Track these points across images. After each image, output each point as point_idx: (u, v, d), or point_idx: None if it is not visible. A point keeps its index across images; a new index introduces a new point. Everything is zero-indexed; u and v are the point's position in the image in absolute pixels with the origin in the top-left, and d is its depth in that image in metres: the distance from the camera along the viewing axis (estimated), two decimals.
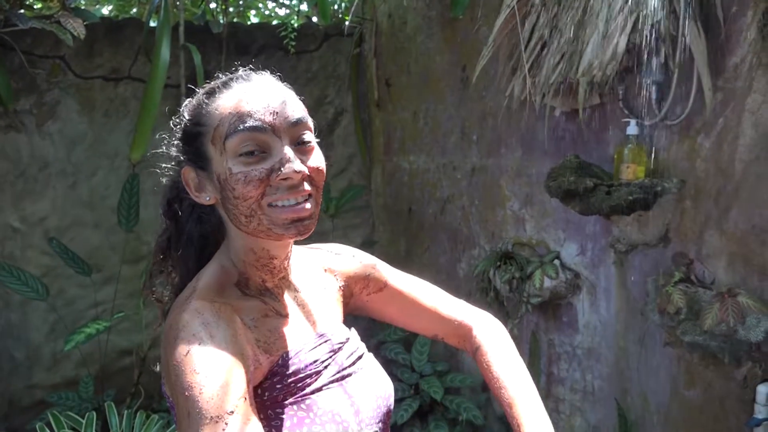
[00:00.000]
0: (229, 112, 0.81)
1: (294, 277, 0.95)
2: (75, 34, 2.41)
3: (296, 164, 0.79)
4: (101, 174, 3.08)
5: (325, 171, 0.86)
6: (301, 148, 0.83)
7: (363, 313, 1.06)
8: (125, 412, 2.32)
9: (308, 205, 0.81)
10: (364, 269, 1.05)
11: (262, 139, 0.80)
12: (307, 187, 0.82)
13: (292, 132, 0.82)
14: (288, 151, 0.80)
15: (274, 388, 0.81)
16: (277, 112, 0.81)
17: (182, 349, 0.73)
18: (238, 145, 0.79)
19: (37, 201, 2.98)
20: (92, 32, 2.78)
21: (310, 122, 0.85)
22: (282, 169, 0.79)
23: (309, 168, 0.82)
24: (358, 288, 1.04)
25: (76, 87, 3.00)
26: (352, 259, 1.06)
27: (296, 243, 1.02)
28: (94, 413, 2.22)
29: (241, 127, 0.79)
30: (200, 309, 0.78)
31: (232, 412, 0.70)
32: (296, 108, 0.83)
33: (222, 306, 0.80)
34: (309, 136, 0.84)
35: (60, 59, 2.95)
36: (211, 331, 0.75)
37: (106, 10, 4.24)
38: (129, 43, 3.06)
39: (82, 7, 2.89)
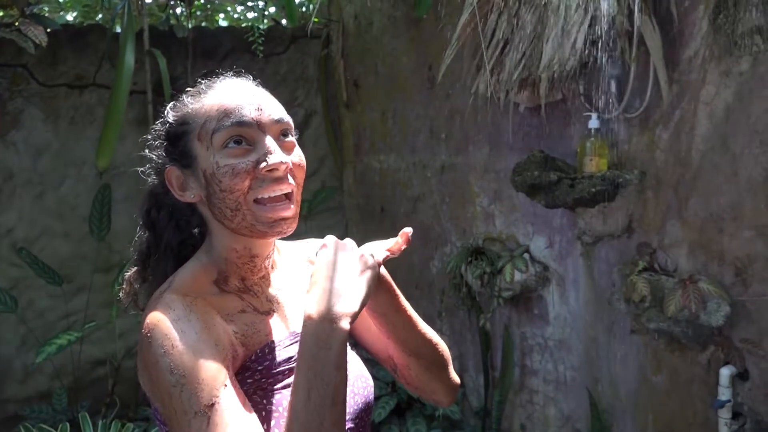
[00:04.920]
0: (216, 110, 0.85)
1: (276, 274, 0.96)
2: (36, 41, 2.38)
3: (281, 155, 0.84)
4: (69, 183, 3.04)
5: (305, 168, 0.90)
6: (284, 143, 0.87)
7: None
8: (100, 422, 2.29)
9: (291, 205, 0.86)
10: None
11: (248, 133, 0.84)
12: (291, 180, 0.85)
13: (276, 128, 0.86)
14: (272, 143, 0.84)
15: (245, 382, 0.82)
16: (262, 109, 0.85)
17: (157, 350, 0.76)
18: (225, 139, 0.83)
19: (3, 212, 2.93)
20: (55, 39, 2.74)
21: (291, 122, 0.90)
22: (267, 159, 0.83)
23: (292, 162, 0.86)
24: None
25: (40, 95, 2.96)
26: None
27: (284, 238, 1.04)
28: (68, 424, 2.19)
29: (229, 123, 0.83)
30: (171, 303, 0.80)
31: (212, 404, 0.74)
32: (278, 107, 0.88)
33: (195, 299, 0.82)
34: (291, 133, 0.89)
35: (22, 67, 2.91)
36: (181, 326, 0.77)
37: (70, 17, 4.18)
38: (93, 50, 3.03)
39: (45, 14, 2.84)
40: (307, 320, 0.78)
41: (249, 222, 0.84)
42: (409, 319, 0.93)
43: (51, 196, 3.01)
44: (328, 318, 0.77)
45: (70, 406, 2.87)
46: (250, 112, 0.84)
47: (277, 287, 0.95)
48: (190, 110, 0.87)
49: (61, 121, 3.01)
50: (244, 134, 0.83)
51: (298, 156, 0.88)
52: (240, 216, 0.84)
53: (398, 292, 0.92)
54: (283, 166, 0.83)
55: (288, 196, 0.85)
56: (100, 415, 2.76)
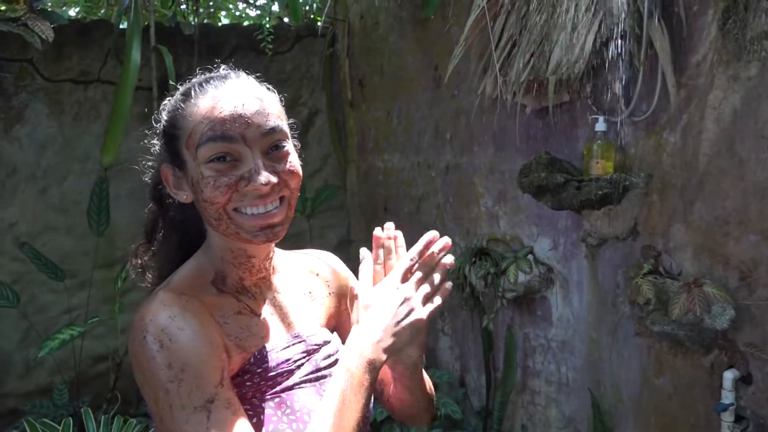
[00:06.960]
0: (201, 120, 0.81)
1: (277, 278, 0.96)
2: (43, 36, 2.37)
3: (264, 177, 0.80)
4: (72, 178, 3.04)
5: (300, 174, 0.87)
6: (275, 154, 0.83)
7: (339, 330, 1.06)
8: (102, 417, 2.29)
9: (278, 212, 0.83)
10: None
11: (233, 149, 0.81)
12: (278, 193, 0.83)
13: (264, 141, 0.82)
14: (258, 162, 0.81)
15: (244, 385, 0.82)
16: (249, 123, 0.80)
17: (153, 345, 0.75)
18: (209, 153, 0.81)
19: (6, 206, 2.93)
20: (60, 35, 2.74)
21: (285, 128, 0.85)
22: (252, 179, 0.80)
23: (282, 172, 0.83)
24: (344, 302, 1.05)
25: (45, 90, 2.96)
26: (345, 272, 1.08)
27: (280, 247, 1.02)
28: (71, 419, 2.19)
29: (213, 137, 0.80)
30: (167, 301, 0.80)
31: (212, 400, 0.73)
32: (270, 116, 0.83)
33: (190, 299, 0.82)
34: (284, 143, 0.85)
35: (27, 62, 2.90)
36: (178, 323, 0.77)
37: (73, 12, 4.17)
38: (98, 46, 3.03)
39: (49, 9, 2.84)
40: (344, 352, 0.82)
41: (233, 230, 0.83)
42: (422, 381, 0.97)
43: (54, 192, 3.01)
44: (361, 358, 0.81)
45: (71, 401, 2.87)
46: (235, 126, 0.80)
47: (276, 290, 0.95)
48: (179, 114, 0.84)
49: (66, 117, 3.01)
50: (230, 150, 0.80)
51: (291, 164, 0.85)
52: (224, 225, 0.83)
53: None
54: (267, 188, 0.80)
55: (281, 200, 0.84)
56: (101, 410, 2.76)
